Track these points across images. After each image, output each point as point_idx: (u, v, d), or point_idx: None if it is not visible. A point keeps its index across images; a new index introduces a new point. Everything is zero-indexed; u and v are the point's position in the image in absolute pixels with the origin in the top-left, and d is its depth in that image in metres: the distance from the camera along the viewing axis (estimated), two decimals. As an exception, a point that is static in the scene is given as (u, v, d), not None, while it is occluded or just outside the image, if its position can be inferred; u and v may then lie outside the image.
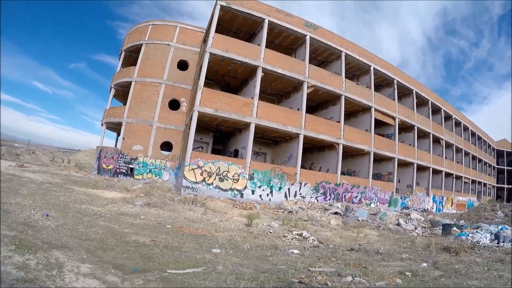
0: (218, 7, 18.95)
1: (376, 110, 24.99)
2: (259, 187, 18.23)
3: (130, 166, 24.14)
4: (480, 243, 13.16)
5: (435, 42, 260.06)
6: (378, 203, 24.13)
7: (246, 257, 6.91)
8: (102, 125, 28.94)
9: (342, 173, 25.98)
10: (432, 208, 29.18)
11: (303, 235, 10.25)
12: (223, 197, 16.91)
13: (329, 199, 21.48)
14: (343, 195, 22.31)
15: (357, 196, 23.05)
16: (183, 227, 9.35)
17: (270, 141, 24.90)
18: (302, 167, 25.41)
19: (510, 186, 49.98)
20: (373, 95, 24.99)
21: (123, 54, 29.74)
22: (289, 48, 24.38)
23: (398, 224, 16.37)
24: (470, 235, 14.08)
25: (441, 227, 14.76)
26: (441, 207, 30.51)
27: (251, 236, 9.31)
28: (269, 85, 23.50)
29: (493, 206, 24.84)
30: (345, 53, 24.16)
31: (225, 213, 13.32)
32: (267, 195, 18.43)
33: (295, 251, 7.88)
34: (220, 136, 25.38)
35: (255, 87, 19.15)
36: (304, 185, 20.33)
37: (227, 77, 23.94)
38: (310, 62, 24.81)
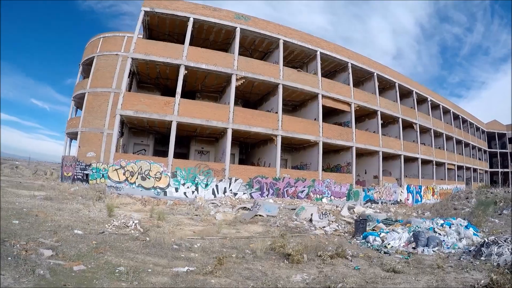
0: (142, 13, 17.21)
1: (325, 96, 20.30)
2: (183, 184, 15.97)
3: (86, 172, 23.23)
4: (389, 246, 8.39)
5: (429, 30, 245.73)
6: (332, 197, 19.23)
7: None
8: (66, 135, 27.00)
9: (296, 167, 21.48)
10: (408, 199, 23.58)
11: (128, 224, 8.96)
12: (146, 195, 15.21)
13: (267, 195, 17.45)
14: (285, 190, 17.94)
15: (303, 191, 18.42)
16: (41, 212, 9.14)
17: (213, 139, 20.72)
18: (247, 163, 21.35)
19: (505, 170, 42.07)
20: (320, 81, 20.28)
21: (80, 67, 27.19)
22: (226, 43, 20.51)
23: (311, 220, 11.84)
24: (383, 234, 9.23)
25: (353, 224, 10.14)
26: (419, 198, 24.74)
27: (86, 222, 8.73)
28: (202, 82, 20.16)
29: (469, 193, 19.04)
30: (284, 40, 20.00)
31: (116, 207, 11.85)
32: (192, 192, 16.03)
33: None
34: (163, 138, 21.59)
35: (178, 86, 16.84)
36: (235, 181, 17.03)
37: (162, 80, 20.57)
38: (251, 55, 21.11)
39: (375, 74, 23.61)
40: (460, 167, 32.19)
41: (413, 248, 8.26)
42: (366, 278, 5.60)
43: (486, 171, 39.69)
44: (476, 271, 5.98)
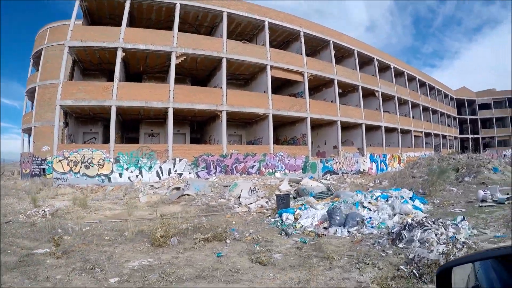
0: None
1: (274, 67, 18.55)
2: (127, 169, 14.89)
3: (42, 167, 21.65)
4: (299, 226, 7.32)
5: (402, 1, 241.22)
6: (287, 170, 17.67)
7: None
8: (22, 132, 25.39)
9: (250, 142, 19.90)
10: (371, 169, 22.09)
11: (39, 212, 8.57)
12: (91, 183, 14.33)
13: (214, 173, 16.07)
14: (233, 166, 16.48)
15: (253, 166, 16.89)
16: None
17: (162, 120, 19.00)
18: (201, 142, 19.77)
19: (476, 136, 40.65)
20: (268, 52, 18.45)
21: (31, 61, 25.05)
22: (169, 21, 18.50)
23: (239, 197, 10.28)
24: (298, 211, 7.75)
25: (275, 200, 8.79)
26: (384, 166, 23.24)
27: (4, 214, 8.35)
28: (144, 63, 18.58)
29: (430, 160, 17.46)
30: (228, 12, 18.19)
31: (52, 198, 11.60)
32: (137, 176, 14.91)
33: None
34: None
35: (116, 69, 15.61)
36: (179, 161, 15.63)
37: (105, 65, 18.85)
38: (197, 31, 19.29)
39: (331, 42, 21.74)
40: (428, 134, 30.71)
41: (324, 228, 6.63)
42: (201, 271, 4.42)
43: (456, 138, 38.24)
44: (376, 267, 4.29)
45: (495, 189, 9.07)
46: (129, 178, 14.78)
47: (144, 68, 19.19)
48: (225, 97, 16.75)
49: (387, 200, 8.03)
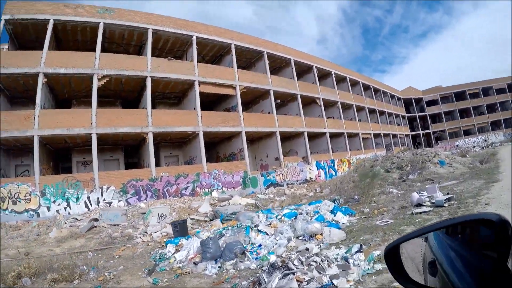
0: (2, 23, 14.72)
1: (203, 83, 18.16)
2: (54, 202, 13.77)
3: None
4: (172, 260, 6.91)
5: (351, 14, 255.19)
6: (224, 188, 17.07)
7: None
8: None
9: (187, 162, 19.04)
10: (319, 176, 21.88)
11: None
12: (20, 220, 13.04)
13: (145, 198, 15.21)
14: (165, 190, 15.68)
15: (187, 187, 16.10)
16: None
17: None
18: (138, 167, 18.81)
19: (427, 131, 42.24)
20: (196, 67, 18.05)
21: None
22: (95, 41, 17.66)
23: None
24: (182, 241, 7.38)
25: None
26: (333, 172, 23.15)
27: None
28: (69, 88, 17.57)
29: (374, 162, 17.29)
30: (153, 29, 17.83)
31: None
32: (65, 208, 13.86)
33: None
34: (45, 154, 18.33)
35: (37, 96, 14.66)
36: (107, 189, 14.71)
37: (31, 92, 17.23)
38: (126, 50, 18.81)
39: (265, 52, 21.76)
40: (377, 135, 31.40)
41: (194, 263, 5.81)
42: None
43: (407, 135, 39.57)
44: None
45: (433, 188, 7.60)
46: (57, 211, 13.73)
47: (70, 93, 18.12)
48: (150, 117, 16.09)
49: (295, 219, 7.16)
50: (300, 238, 5.69)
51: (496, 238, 0.68)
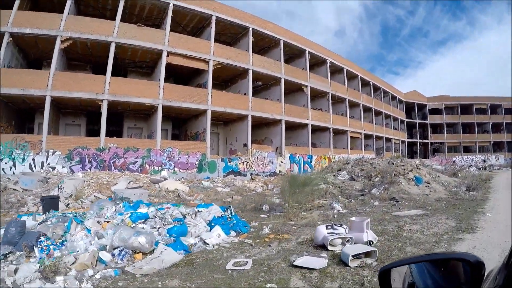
0: None
1: (172, 53, 16.61)
2: (0, 160, 13.38)
3: None
4: None
5: (372, 10, 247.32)
6: (176, 168, 15.80)
7: None
8: None
9: (149, 136, 17.93)
10: (291, 170, 20.39)
11: None
12: None
13: (89, 168, 14.20)
14: (111, 162, 14.63)
15: (135, 162, 14.89)
16: None
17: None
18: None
19: (425, 141, 39.86)
20: (167, 36, 16.53)
21: None
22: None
23: None
24: None
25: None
26: (308, 168, 21.65)
27: None
28: (38, 50, 16.42)
29: (345, 164, 15.59)
30: None
31: None
32: (10, 168, 13.50)
33: None
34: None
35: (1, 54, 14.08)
36: (53, 153, 13.99)
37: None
38: (101, 15, 17.47)
39: (251, 29, 19.94)
40: (369, 136, 29.52)
41: None
42: None
43: (403, 141, 37.42)
44: None
45: (359, 225, 4.66)
46: (3, 169, 13.36)
47: (39, 54, 16.91)
48: (107, 84, 14.86)
49: (144, 222, 5.32)
50: (116, 250, 4.20)
51: (472, 277, 0.78)
